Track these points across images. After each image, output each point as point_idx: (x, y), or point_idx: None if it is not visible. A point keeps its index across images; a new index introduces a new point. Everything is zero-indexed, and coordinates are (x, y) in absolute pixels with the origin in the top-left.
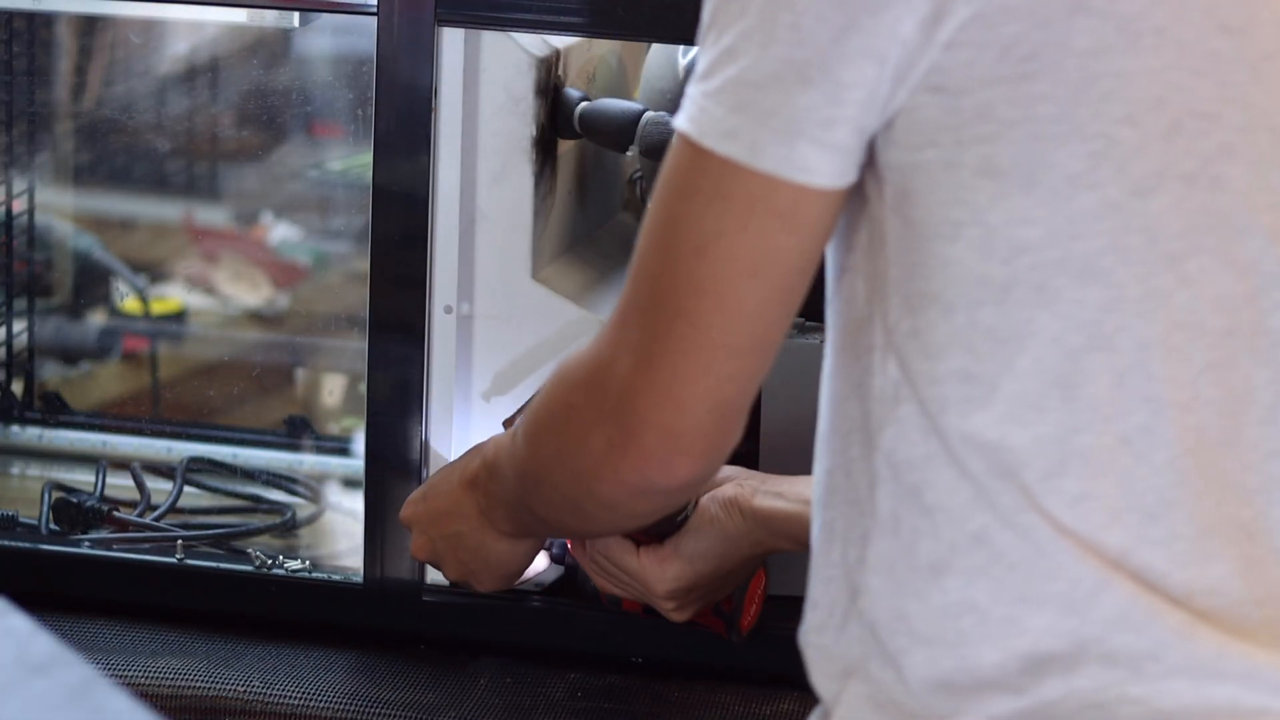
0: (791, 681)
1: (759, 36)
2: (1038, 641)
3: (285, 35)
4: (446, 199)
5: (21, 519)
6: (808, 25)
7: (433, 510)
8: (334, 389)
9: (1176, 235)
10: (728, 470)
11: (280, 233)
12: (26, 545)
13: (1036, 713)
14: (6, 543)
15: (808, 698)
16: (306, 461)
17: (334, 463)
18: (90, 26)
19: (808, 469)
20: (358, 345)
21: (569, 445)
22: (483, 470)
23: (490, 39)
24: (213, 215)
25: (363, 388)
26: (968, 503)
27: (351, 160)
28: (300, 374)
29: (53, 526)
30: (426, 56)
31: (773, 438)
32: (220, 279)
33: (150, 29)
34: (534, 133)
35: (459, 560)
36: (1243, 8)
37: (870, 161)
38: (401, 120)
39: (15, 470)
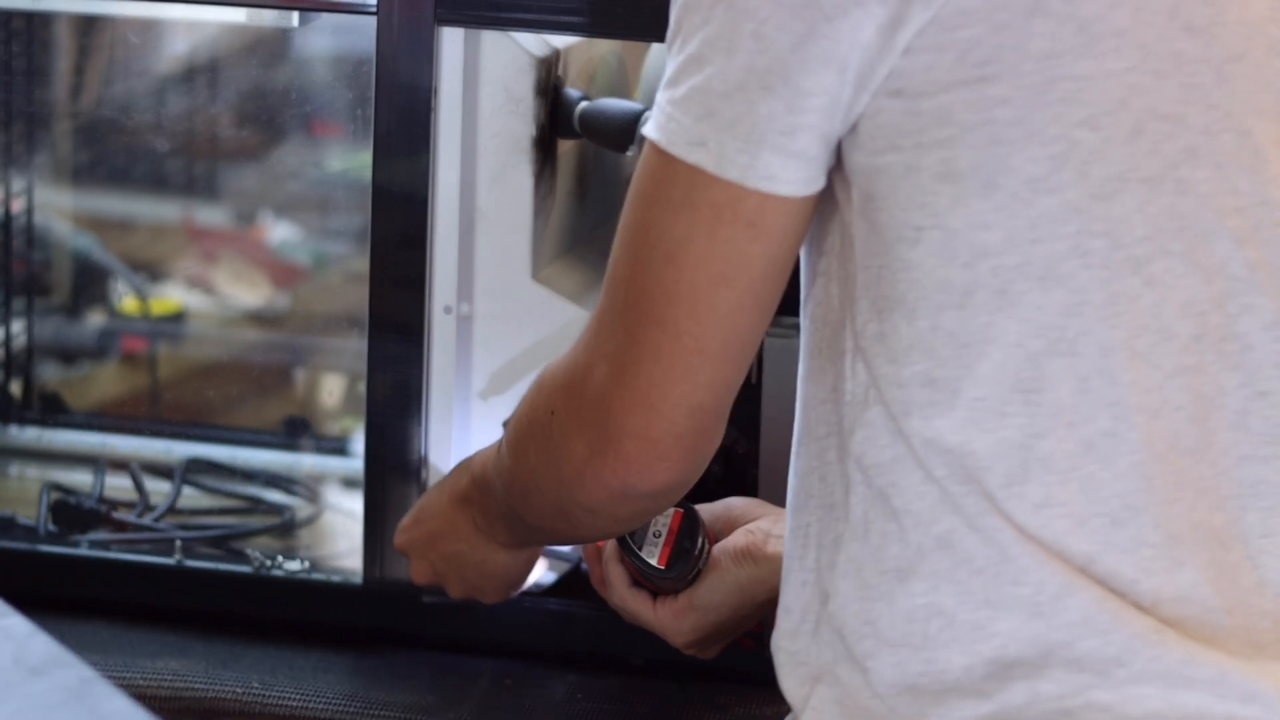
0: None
1: (723, 44)
2: (1004, 646)
3: (285, 35)
4: (446, 199)
5: (20, 520)
6: (769, 34)
7: (427, 533)
8: (333, 389)
9: (1141, 239)
10: (736, 507)
11: (280, 233)
12: (25, 546)
13: (1002, 718)
14: (5, 544)
15: None
16: (305, 462)
17: (333, 463)
18: (89, 26)
19: None
20: (357, 345)
21: (551, 453)
22: (473, 487)
23: (490, 39)
24: (212, 215)
25: (362, 388)
26: (933, 506)
27: (351, 160)
28: (299, 374)
29: (51, 527)
30: (426, 56)
31: (772, 438)
32: (219, 279)
33: (149, 29)
34: (534, 133)
35: (462, 578)
36: (1207, 8)
37: (838, 166)
38: (401, 120)
39: (13, 471)
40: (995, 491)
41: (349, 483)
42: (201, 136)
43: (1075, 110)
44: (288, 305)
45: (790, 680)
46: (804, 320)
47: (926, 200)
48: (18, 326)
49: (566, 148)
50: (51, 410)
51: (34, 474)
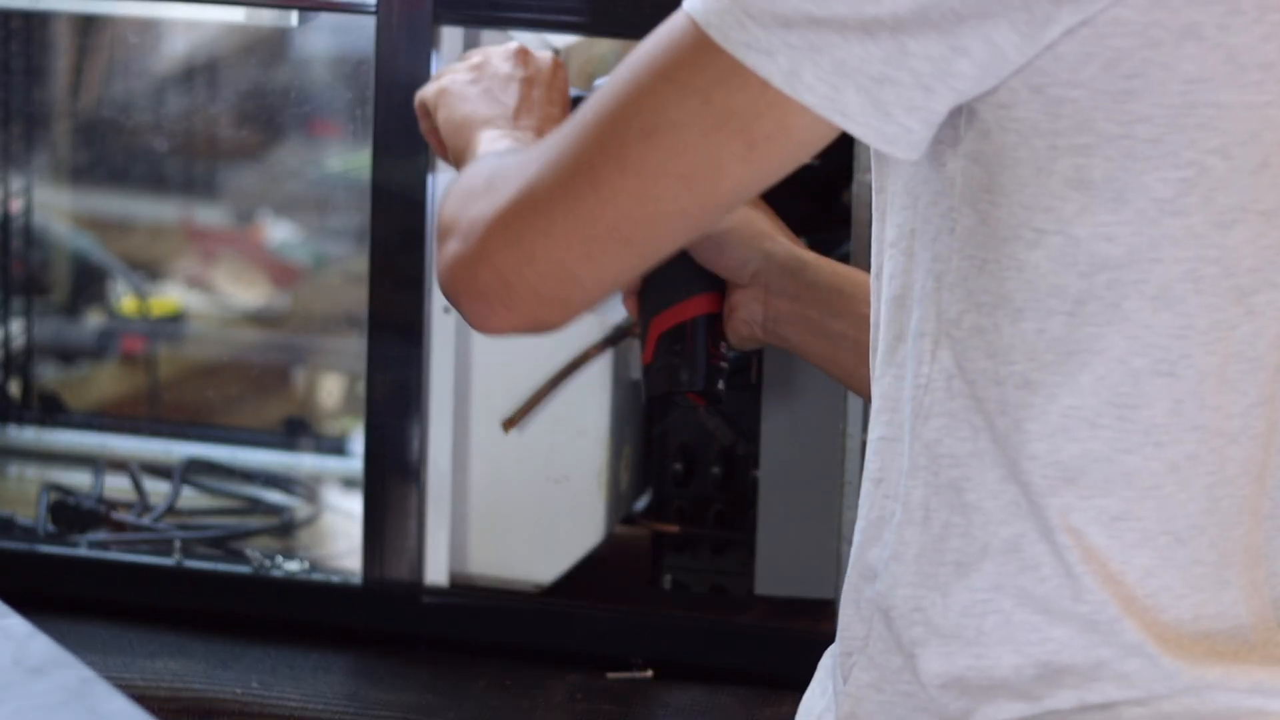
0: (792, 683)
1: None
2: (1057, 652)
3: (284, 34)
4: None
5: (19, 520)
6: None
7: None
8: (332, 389)
9: (1248, 270)
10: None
11: (279, 233)
12: (24, 546)
13: (1044, 716)
14: (4, 544)
15: None
16: (305, 462)
17: (332, 463)
18: (88, 26)
19: (808, 469)
20: (356, 345)
21: (447, 208)
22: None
23: (489, 38)
24: (211, 215)
25: (361, 388)
26: (1007, 507)
27: (350, 160)
28: (299, 375)
29: (50, 527)
30: (425, 55)
31: (772, 438)
32: (219, 279)
33: (148, 28)
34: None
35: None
36: None
37: (950, 150)
38: (400, 119)
39: (13, 471)
40: (1073, 502)
41: (348, 483)
42: (201, 136)
43: (1211, 137)
44: (287, 305)
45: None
46: (875, 296)
47: (1053, 204)
48: (17, 326)
49: None
50: (51, 410)
51: (33, 474)
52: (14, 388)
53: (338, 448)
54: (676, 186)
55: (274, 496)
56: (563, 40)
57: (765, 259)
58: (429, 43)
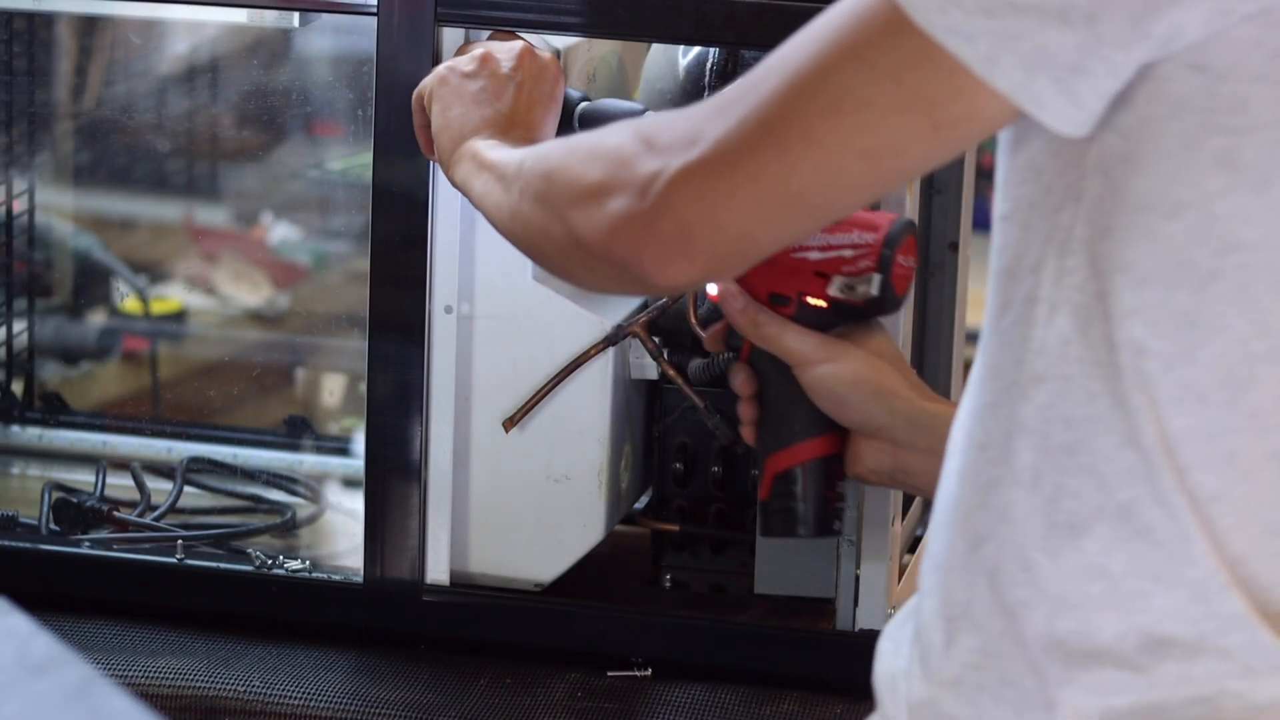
0: (791, 682)
1: None
2: (1160, 622)
3: (285, 35)
4: (447, 199)
5: (21, 519)
6: None
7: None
8: (334, 389)
9: None
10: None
11: (280, 233)
12: (26, 545)
13: (1149, 692)
14: (6, 543)
15: (808, 698)
16: (306, 461)
17: (334, 463)
18: (90, 26)
19: None
20: (358, 345)
21: (592, 172)
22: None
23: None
24: (213, 215)
25: (363, 388)
26: (1123, 471)
27: (351, 160)
28: (300, 374)
29: (53, 526)
30: (427, 56)
31: None
32: (220, 279)
33: (150, 29)
34: None
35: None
36: None
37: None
38: (402, 120)
39: (15, 470)
40: (1182, 473)
41: (350, 482)
42: (202, 137)
43: None
44: (288, 305)
45: (927, 613)
46: (993, 258)
47: (1197, 180)
48: (19, 326)
49: None
50: (53, 410)
51: (36, 473)
52: (17, 387)
53: (339, 447)
54: (859, 162)
55: (276, 496)
56: (563, 41)
57: (890, 415)
58: (430, 43)
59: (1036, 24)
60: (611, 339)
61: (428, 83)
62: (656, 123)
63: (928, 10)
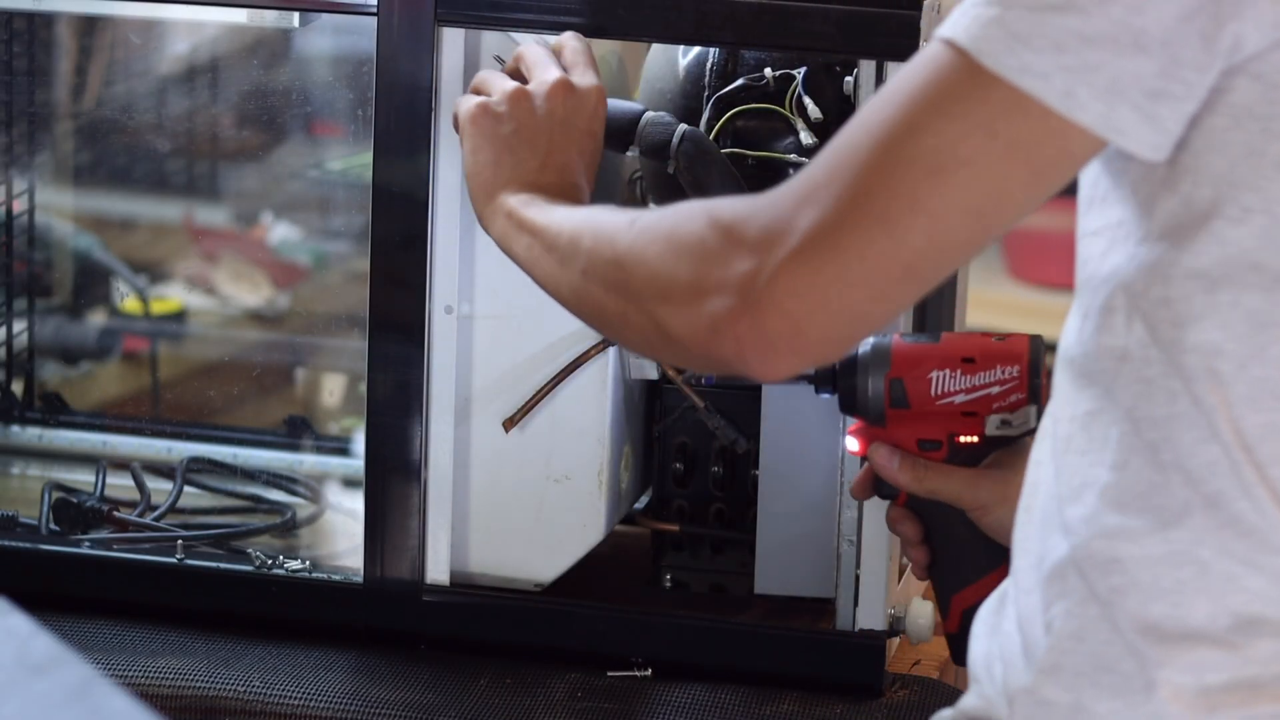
0: (791, 682)
1: None
2: (1250, 602)
3: (285, 35)
4: (447, 199)
5: (21, 519)
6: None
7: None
8: (334, 389)
9: None
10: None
11: (280, 233)
12: (26, 545)
13: (1244, 669)
14: (6, 543)
15: (808, 698)
16: (306, 461)
17: (334, 463)
18: (90, 26)
19: (807, 471)
20: (358, 345)
21: (673, 267)
22: (546, 182)
23: (490, 39)
24: (213, 215)
25: (363, 388)
26: (1209, 465)
27: (351, 160)
28: (300, 374)
29: (53, 526)
30: (427, 56)
31: (773, 438)
32: (220, 279)
33: (150, 29)
34: None
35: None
36: None
37: None
38: (401, 120)
39: (15, 470)
40: (1261, 468)
41: (350, 482)
42: (202, 137)
43: None
44: (288, 305)
45: (1028, 610)
46: (1077, 270)
47: (1262, 185)
48: (19, 326)
49: None
50: (53, 410)
51: (36, 473)
52: (17, 387)
53: (340, 447)
54: (968, 220)
55: (276, 496)
56: None
57: None
58: (430, 44)
59: (1111, 54)
60: (609, 339)
61: (460, 113)
62: (733, 212)
63: (997, 54)
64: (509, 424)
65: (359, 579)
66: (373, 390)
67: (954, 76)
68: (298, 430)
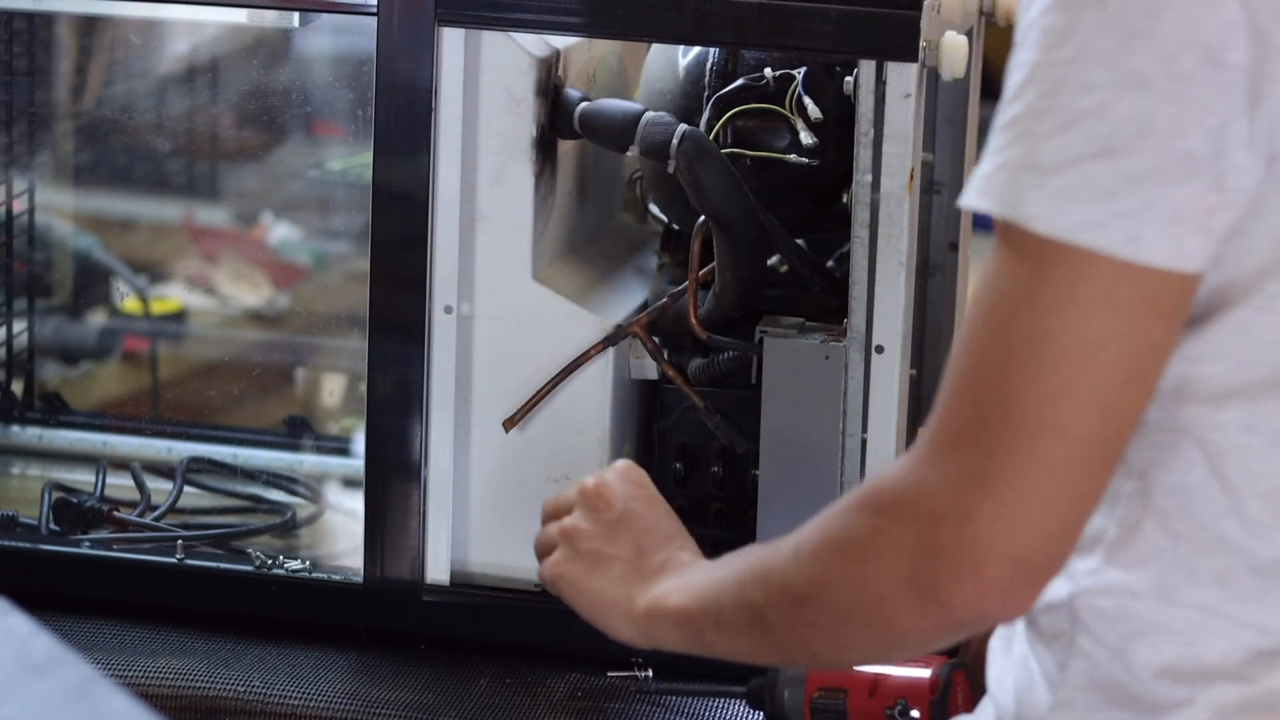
0: None
1: (1132, 126)
2: (1259, 638)
3: (285, 35)
4: (447, 199)
5: (22, 519)
6: (1189, 116)
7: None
8: (334, 389)
9: None
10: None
11: (280, 233)
12: (26, 545)
13: (1265, 699)
14: (6, 543)
15: None
16: (306, 461)
17: (334, 463)
18: (90, 26)
19: (807, 471)
20: (358, 345)
21: (869, 574)
22: (685, 575)
23: (490, 39)
24: (213, 215)
25: (363, 388)
26: (1217, 540)
27: (351, 160)
28: (300, 374)
29: (53, 526)
30: (426, 56)
31: (772, 438)
32: (220, 279)
33: (150, 29)
34: (534, 133)
35: (579, 575)
36: None
37: None
38: (401, 120)
39: (15, 470)
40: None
41: (350, 482)
42: (202, 137)
43: None
44: (288, 305)
45: (1037, 644)
46: None
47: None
48: (19, 326)
49: (567, 148)
50: (53, 410)
51: (36, 473)
52: (17, 387)
53: (339, 447)
54: (1130, 389)
55: (276, 496)
56: (563, 41)
57: None
58: (430, 44)
59: (1168, 186)
60: (612, 339)
61: (545, 577)
62: (881, 494)
63: (1050, 219)
64: (509, 424)
65: (359, 579)
66: (373, 390)
67: (1038, 265)
68: (298, 430)
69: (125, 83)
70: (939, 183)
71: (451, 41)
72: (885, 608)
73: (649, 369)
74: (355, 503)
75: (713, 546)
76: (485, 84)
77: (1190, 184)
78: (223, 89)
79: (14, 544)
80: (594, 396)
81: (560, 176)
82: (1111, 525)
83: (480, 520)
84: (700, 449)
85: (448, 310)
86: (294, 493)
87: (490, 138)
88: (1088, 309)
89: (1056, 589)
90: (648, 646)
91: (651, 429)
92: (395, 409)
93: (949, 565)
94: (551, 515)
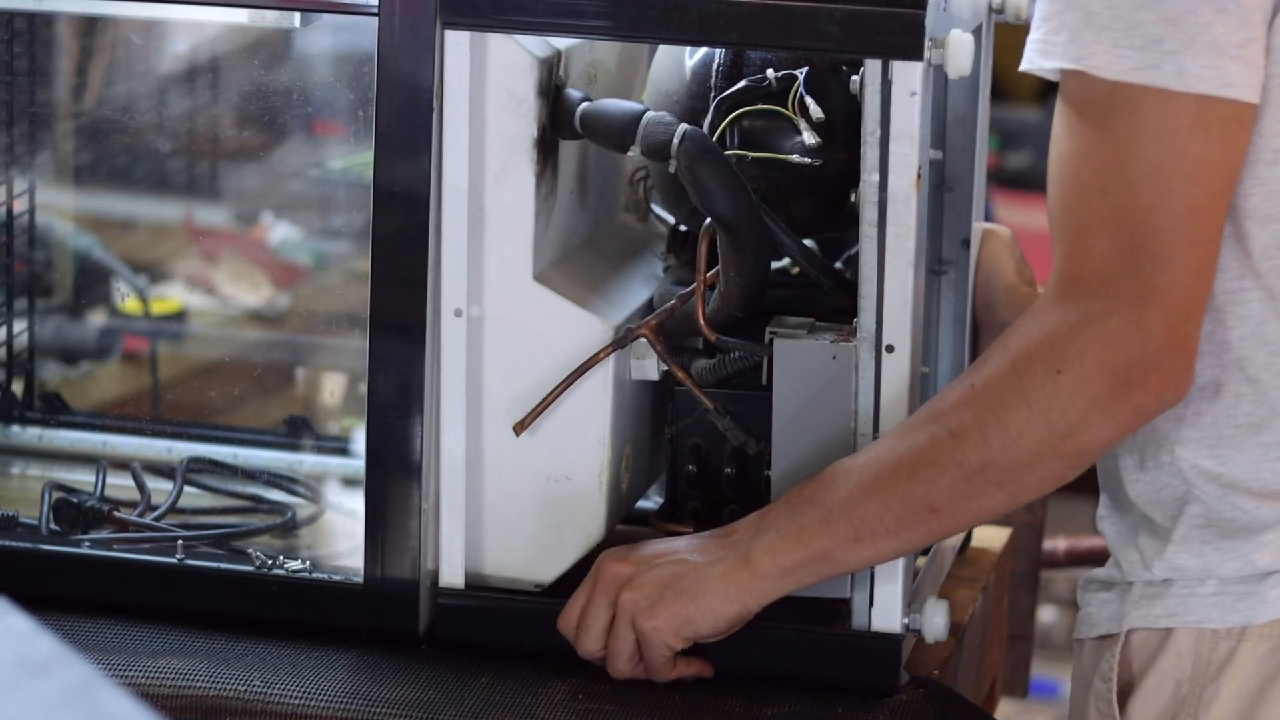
0: (794, 682)
1: None
2: None
3: (286, 35)
4: (451, 200)
5: (22, 519)
6: None
7: (643, 557)
8: (334, 389)
9: None
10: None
11: (280, 233)
12: (27, 545)
13: None
14: (7, 543)
15: (810, 698)
16: (307, 461)
17: (334, 463)
18: (91, 26)
19: (820, 468)
20: (358, 345)
21: (1054, 416)
22: (784, 507)
23: (492, 40)
24: (213, 215)
25: (363, 387)
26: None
27: (352, 159)
28: (300, 374)
29: (53, 526)
30: (427, 57)
31: (784, 439)
32: (220, 279)
33: (151, 29)
34: (535, 133)
35: (667, 609)
36: None
37: None
38: (402, 121)
39: (15, 470)
40: None
41: (350, 482)
42: (203, 137)
43: None
44: (288, 305)
45: (1151, 509)
46: None
47: None
48: (19, 326)
49: (568, 148)
50: (53, 410)
51: (36, 473)
52: (17, 387)
53: (339, 447)
54: (1228, 193)
55: (276, 496)
56: (564, 42)
57: None
58: (431, 44)
59: (1203, 21)
60: (620, 341)
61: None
62: (1039, 347)
63: (1113, 66)
64: (519, 427)
65: (359, 579)
66: (373, 390)
67: (1110, 105)
68: (298, 430)
69: (126, 83)
70: (950, 180)
71: (453, 42)
72: (1079, 435)
73: (649, 370)
74: (355, 503)
75: None
76: (487, 84)
77: (1223, 20)
78: (223, 89)
79: (14, 544)
80: (595, 398)
81: (561, 177)
82: (1189, 388)
83: (487, 523)
84: (713, 451)
85: (457, 314)
86: (294, 493)
87: (492, 138)
88: (1182, 136)
89: (1152, 458)
90: (756, 610)
91: (663, 431)
92: (396, 409)
93: (1139, 372)
94: (576, 623)
